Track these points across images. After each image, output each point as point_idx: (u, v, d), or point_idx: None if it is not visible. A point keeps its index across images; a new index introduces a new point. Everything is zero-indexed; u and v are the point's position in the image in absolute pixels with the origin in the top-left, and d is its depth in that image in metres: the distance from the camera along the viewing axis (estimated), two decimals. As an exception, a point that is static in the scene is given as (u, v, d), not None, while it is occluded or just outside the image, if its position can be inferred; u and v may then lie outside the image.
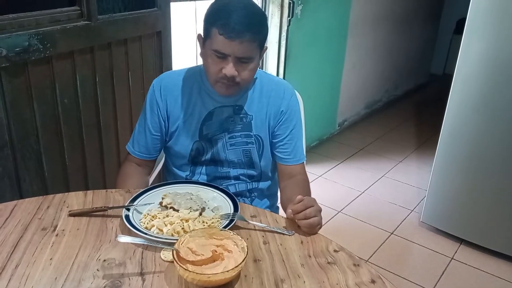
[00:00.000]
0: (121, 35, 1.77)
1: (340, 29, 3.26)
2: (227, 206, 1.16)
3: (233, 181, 1.39)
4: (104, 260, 0.96)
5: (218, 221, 1.09)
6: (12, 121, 1.49)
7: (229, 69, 1.17)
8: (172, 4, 1.97)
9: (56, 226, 1.06)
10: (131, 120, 1.92)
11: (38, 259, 0.95)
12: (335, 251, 1.04)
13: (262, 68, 2.79)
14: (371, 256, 2.26)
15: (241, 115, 1.33)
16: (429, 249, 2.34)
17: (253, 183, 1.41)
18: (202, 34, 1.23)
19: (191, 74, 1.35)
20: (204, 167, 1.38)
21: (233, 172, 1.38)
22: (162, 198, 1.16)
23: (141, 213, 1.11)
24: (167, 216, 1.09)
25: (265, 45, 1.25)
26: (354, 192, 2.87)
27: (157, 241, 0.99)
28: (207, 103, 1.32)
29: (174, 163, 1.41)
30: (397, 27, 4.02)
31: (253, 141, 1.35)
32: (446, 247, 2.35)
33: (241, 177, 1.39)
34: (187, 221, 1.07)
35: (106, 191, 1.22)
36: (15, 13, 1.43)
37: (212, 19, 1.16)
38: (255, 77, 1.33)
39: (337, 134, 3.68)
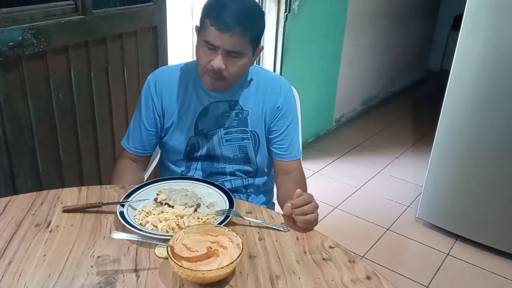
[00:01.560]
0: (116, 30, 1.75)
1: (337, 25, 3.25)
2: (222, 202, 1.15)
3: (229, 177, 1.38)
4: (98, 257, 0.95)
5: (213, 217, 1.09)
6: (6, 117, 1.48)
7: (217, 61, 1.16)
8: (168, -1, 1.96)
9: (50, 222, 1.05)
10: (127, 115, 1.91)
11: (32, 256, 0.94)
12: (330, 247, 1.04)
13: (258, 64, 2.78)
14: (367, 252, 2.27)
15: (237, 111, 1.32)
16: (425, 245, 2.34)
17: (249, 179, 1.40)
18: (198, 25, 1.22)
19: (186, 69, 1.34)
20: (199, 163, 1.37)
21: (229, 168, 1.37)
22: (157, 194, 1.16)
23: (135, 209, 1.11)
24: (162, 212, 1.08)
25: (261, 44, 1.25)
26: (351, 188, 2.87)
27: (152, 238, 0.98)
28: (203, 98, 1.31)
29: (170, 159, 1.40)
30: (394, 23, 4.01)
31: (249, 136, 1.34)
32: (442, 243, 2.36)
33: (237, 173, 1.38)
34: (182, 217, 1.06)
35: (101, 187, 1.22)
36: (9, 7, 1.42)
37: (207, 10, 1.17)
38: (252, 75, 1.32)
39: (333, 130, 3.68)
